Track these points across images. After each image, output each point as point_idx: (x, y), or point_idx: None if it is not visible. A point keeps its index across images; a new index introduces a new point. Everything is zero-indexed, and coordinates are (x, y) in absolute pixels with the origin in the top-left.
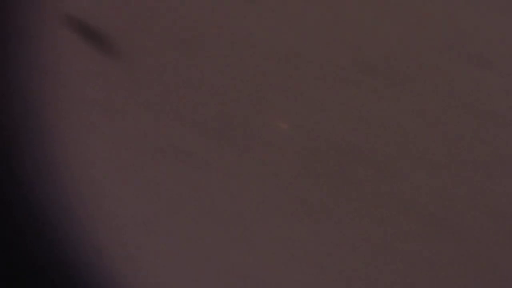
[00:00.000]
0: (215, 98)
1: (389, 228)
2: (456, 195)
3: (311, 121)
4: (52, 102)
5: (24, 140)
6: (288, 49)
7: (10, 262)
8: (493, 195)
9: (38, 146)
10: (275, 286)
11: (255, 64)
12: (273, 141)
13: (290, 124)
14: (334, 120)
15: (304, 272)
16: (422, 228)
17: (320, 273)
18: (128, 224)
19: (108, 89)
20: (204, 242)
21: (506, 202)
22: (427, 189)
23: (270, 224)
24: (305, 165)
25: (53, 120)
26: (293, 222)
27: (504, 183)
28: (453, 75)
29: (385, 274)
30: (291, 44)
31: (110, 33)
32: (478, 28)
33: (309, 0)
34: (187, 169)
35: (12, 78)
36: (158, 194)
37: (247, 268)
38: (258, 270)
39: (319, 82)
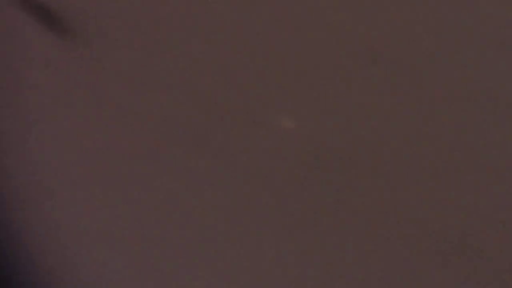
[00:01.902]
0: (197, 96)
1: (389, 234)
2: (461, 198)
3: (309, 119)
4: (2, 92)
5: None
6: (286, 41)
7: None
8: (493, 198)
9: None
10: None
11: (248, 57)
12: (267, 141)
13: (289, 122)
14: (335, 118)
15: (298, 277)
16: (425, 236)
17: (315, 277)
18: (90, 233)
19: (69, 81)
20: (191, 251)
21: (504, 204)
22: (428, 193)
23: (261, 230)
24: (300, 167)
25: (4, 113)
26: (287, 228)
27: (503, 183)
28: (459, 66)
29: (381, 280)
30: (289, 36)
31: (71, 17)
32: (483, 18)
33: None
34: (164, 174)
35: None
36: (130, 198)
37: (237, 273)
38: (250, 275)
39: (316, 75)
